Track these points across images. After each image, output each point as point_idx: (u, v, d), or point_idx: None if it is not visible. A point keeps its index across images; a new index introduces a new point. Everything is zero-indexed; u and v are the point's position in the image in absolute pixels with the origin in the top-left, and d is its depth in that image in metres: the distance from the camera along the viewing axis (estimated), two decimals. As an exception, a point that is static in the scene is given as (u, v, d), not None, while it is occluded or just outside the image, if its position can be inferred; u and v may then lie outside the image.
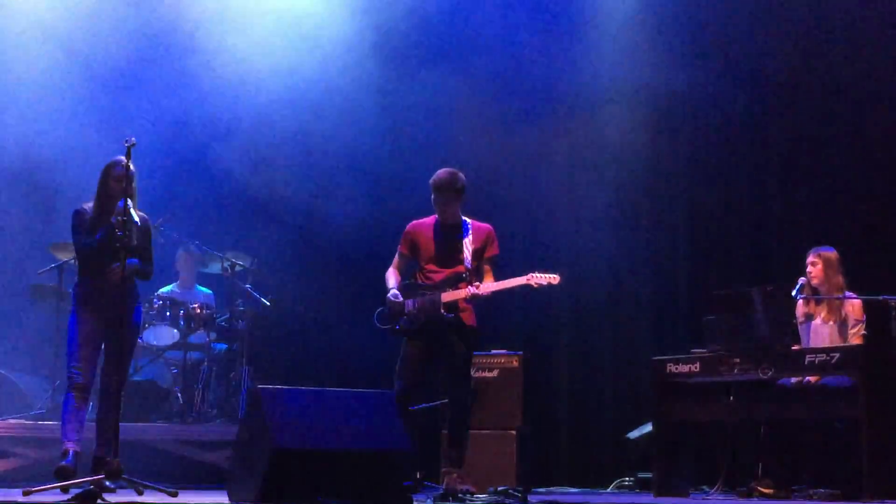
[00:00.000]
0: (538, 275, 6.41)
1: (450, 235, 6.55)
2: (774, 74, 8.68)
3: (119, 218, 5.87)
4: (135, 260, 6.14)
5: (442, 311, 6.38)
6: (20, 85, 9.32)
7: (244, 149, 9.76)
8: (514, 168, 9.38)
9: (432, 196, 6.53)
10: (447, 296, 6.40)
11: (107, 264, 6.01)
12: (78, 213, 6.23)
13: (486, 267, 6.57)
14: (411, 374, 6.40)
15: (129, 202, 5.93)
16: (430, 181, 6.53)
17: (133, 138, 5.82)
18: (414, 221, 6.70)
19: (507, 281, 6.45)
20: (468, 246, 6.50)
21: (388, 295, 6.48)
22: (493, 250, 6.58)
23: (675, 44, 8.88)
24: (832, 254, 6.81)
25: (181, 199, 9.32)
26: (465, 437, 6.53)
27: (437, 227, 6.60)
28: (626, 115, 9.00)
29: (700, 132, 8.87)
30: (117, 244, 5.84)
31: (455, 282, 6.44)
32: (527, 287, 6.44)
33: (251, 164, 9.78)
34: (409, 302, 6.48)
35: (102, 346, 6.22)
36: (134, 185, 6.07)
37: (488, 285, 6.43)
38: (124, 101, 9.45)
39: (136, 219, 5.96)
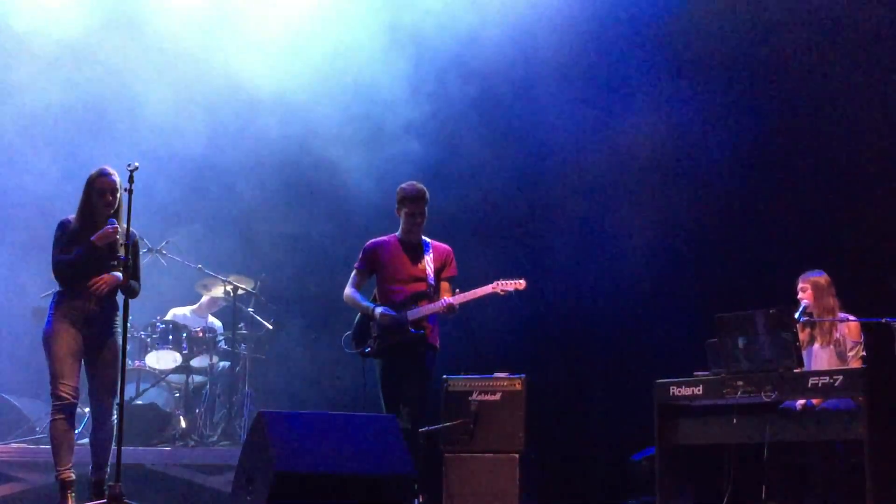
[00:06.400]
0: (504, 282, 6.57)
1: (412, 254, 6.67)
2: (776, 101, 8.75)
3: (109, 238, 5.81)
4: (117, 275, 5.92)
5: (410, 329, 6.47)
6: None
7: (248, 172, 9.81)
8: (523, 190, 9.44)
9: (405, 209, 6.61)
10: (413, 314, 6.51)
11: (86, 278, 5.84)
12: (62, 226, 5.99)
13: (445, 285, 6.67)
14: (396, 396, 6.49)
15: (119, 238, 5.85)
16: (404, 194, 6.62)
17: (136, 163, 5.78)
18: (373, 240, 6.78)
19: (476, 290, 6.58)
20: (430, 264, 6.62)
21: (377, 311, 6.52)
22: (451, 271, 6.73)
23: (677, 78, 8.95)
24: (821, 278, 6.81)
25: (185, 223, 9.36)
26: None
27: (400, 245, 6.69)
28: (632, 142, 9.07)
29: (703, 157, 8.90)
30: (115, 267, 5.81)
31: (418, 300, 6.54)
32: (494, 295, 6.58)
33: (256, 188, 9.83)
34: (374, 324, 6.56)
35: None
36: (119, 196, 5.93)
37: (460, 296, 6.52)
38: (128, 123, 9.51)
39: (122, 240, 5.84)
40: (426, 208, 6.65)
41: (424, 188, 6.67)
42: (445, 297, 6.49)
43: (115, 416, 5.98)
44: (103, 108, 9.54)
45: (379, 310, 6.55)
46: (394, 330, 6.50)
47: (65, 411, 5.86)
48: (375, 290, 6.74)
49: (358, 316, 6.73)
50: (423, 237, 6.74)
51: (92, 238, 5.83)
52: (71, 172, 8.52)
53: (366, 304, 6.64)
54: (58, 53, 9.35)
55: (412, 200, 6.60)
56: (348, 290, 6.72)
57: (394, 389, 6.54)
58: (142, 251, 8.35)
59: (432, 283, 6.59)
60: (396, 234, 6.74)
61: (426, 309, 6.50)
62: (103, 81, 9.44)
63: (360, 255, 6.76)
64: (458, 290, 6.56)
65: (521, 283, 6.58)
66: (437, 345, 6.66)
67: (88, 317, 5.91)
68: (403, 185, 6.68)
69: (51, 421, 5.90)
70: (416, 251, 6.67)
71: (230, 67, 9.54)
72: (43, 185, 9.16)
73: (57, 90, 9.38)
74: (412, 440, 6.37)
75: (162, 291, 9.01)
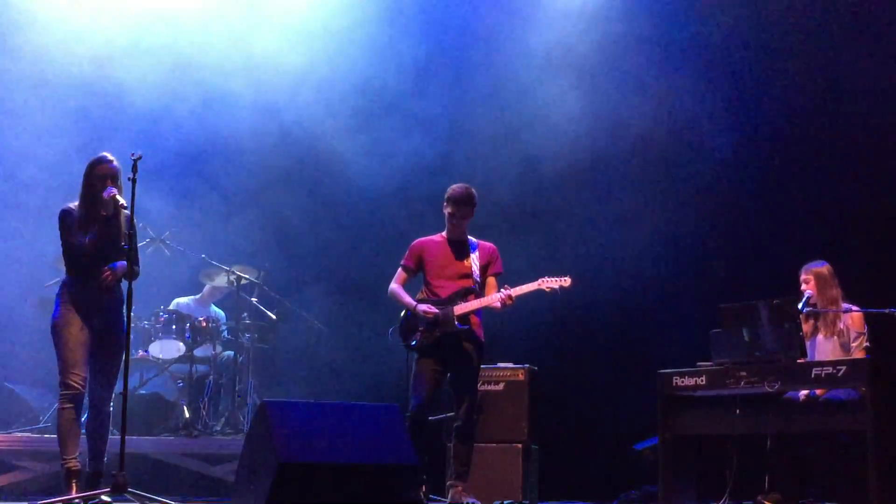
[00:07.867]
0: (549, 279, 6.59)
1: (458, 251, 6.74)
2: (780, 93, 8.74)
3: (110, 204, 5.81)
4: (121, 262, 5.89)
5: (456, 322, 6.50)
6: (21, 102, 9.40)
7: (253, 162, 9.80)
8: (528, 182, 9.45)
9: (449, 210, 6.69)
10: (459, 308, 6.56)
11: (96, 267, 5.83)
12: (67, 213, 5.93)
13: (491, 280, 6.74)
14: (429, 389, 6.53)
15: (119, 197, 5.82)
16: (448, 195, 6.69)
17: (139, 152, 5.77)
18: (421, 238, 6.84)
19: (522, 287, 6.60)
20: (475, 261, 6.69)
21: (419, 308, 6.58)
22: (497, 268, 6.79)
23: (682, 70, 8.95)
24: (823, 268, 6.81)
25: (189, 213, 9.35)
26: (471, 450, 6.61)
27: (446, 243, 6.76)
28: (637, 134, 9.07)
29: (707, 149, 8.91)
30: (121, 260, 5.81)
31: (464, 296, 6.61)
32: (539, 292, 6.59)
33: (260, 177, 9.82)
34: (420, 318, 6.60)
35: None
36: (120, 182, 5.91)
37: (517, 289, 6.56)
38: (130, 116, 9.50)
39: (124, 218, 5.84)
40: (468, 211, 6.68)
41: (468, 191, 6.69)
42: (503, 290, 6.53)
43: (111, 406, 6.01)
44: (104, 89, 9.51)
45: (422, 307, 6.58)
46: (440, 323, 6.54)
47: (73, 400, 5.83)
48: (423, 289, 6.76)
49: (404, 310, 6.74)
50: (469, 237, 6.80)
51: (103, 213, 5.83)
52: (84, 144, 8.54)
53: (408, 299, 6.69)
54: (58, 24, 9.32)
55: (454, 202, 6.67)
56: (392, 286, 6.77)
57: (428, 381, 6.53)
58: (145, 240, 8.41)
59: (478, 279, 6.65)
60: (443, 232, 6.82)
61: (475, 303, 6.56)
62: (101, 62, 9.40)
63: (407, 253, 6.81)
64: (506, 286, 6.58)
65: (566, 281, 6.60)
66: (482, 338, 6.70)
67: (97, 306, 5.89)
68: (453, 186, 6.75)
69: (58, 409, 5.87)
70: (462, 249, 6.74)
71: (235, 53, 9.52)
72: (56, 153, 9.12)
73: (59, 62, 9.34)
74: (466, 440, 6.56)
75: (165, 281, 9.01)
